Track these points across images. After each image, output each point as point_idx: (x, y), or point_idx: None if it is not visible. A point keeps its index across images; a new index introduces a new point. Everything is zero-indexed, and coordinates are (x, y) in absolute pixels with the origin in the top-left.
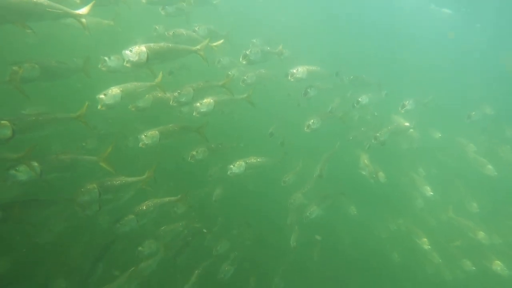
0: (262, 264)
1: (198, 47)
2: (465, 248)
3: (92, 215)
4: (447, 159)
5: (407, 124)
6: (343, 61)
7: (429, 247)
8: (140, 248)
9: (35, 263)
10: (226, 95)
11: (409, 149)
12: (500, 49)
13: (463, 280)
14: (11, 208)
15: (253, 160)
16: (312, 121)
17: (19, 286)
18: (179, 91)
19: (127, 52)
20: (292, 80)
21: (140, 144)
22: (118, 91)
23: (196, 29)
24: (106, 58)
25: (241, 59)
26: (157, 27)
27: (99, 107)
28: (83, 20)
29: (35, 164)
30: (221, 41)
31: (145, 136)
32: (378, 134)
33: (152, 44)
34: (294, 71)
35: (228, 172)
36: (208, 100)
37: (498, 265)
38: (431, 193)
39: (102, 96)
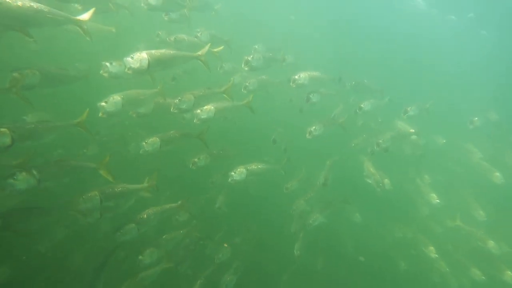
0: (266, 271)
1: (199, 53)
2: (473, 257)
3: (93, 222)
4: (452, 166)
5: (411, 130)
6: (345, 66)
7: (436, 255)
8: (141, 257)
9: (36, 271)
10: (227, 101)
11: (413, 155)
12: (505, 56)
13: None
14: (11, 216)
15: (254, 166)
16: (314, 127)
17: None
18: (179, 98)
19: (129, 59)
20: (294, 86)
21: (141, 151)
22: (119, 98)
23: (199, 34)
24: (108, 64)
25: (243, 65)
26: (159, 33)
27: (100, 114)
28: (84, 26)
29: (34, 172)
30: (221, 47)
31: (146, 143)
32: (380, 141)
33: (153, 51)
34: (296, 77)
35: (229, 179)
36: (209, 107)
37: (509, 276)
38: (437, 200)
39: (103, 103)
